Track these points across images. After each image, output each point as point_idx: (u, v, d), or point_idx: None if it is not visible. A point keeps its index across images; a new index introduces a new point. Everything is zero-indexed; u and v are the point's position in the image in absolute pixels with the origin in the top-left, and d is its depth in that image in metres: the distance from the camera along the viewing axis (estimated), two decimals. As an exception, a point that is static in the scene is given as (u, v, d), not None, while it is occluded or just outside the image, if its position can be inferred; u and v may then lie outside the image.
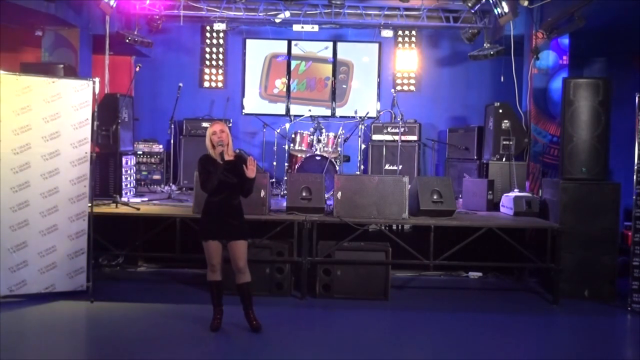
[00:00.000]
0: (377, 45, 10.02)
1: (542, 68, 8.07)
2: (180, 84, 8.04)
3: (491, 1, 7.68)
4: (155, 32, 9.29)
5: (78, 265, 5.73)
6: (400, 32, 9.97)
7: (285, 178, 7.91)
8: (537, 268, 6.60)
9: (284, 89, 10.07)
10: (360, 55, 10.07)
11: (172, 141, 8.29)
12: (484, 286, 6.84)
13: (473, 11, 8.59)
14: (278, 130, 8.90)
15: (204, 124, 9.20)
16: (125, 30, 8.79)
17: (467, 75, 9.91)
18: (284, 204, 6.45)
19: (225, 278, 4.99)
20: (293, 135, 8.59)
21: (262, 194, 6.07)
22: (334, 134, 8.56)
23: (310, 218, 6.05)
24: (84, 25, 8.06)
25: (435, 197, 6.35)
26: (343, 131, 8.69)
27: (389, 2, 9.28)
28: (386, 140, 9.08)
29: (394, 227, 6.91)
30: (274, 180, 8.49)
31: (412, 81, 10.08)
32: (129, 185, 7.60)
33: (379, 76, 10.06)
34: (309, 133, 8.51)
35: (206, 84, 10.08)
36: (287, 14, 9.10)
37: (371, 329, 5.23)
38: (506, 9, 7.55)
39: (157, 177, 9.13)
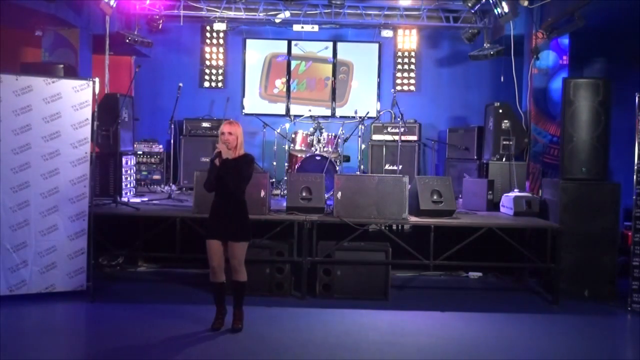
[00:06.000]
0: (377, 45, 10.02)
1: (542, 68, 8.07)
2: (180, 84, 8.02)
3: (491, 1, 7.67)
4: (155, 32, 9.29)
5: (78, 265, 5.73)
6: (400, 32, 9.97)
7: (285, 178, 7.90)
8: (537, 268, 6.60)
9: (284, 89, 10.07)
10: (360, 55, 10.07)
11: (172, 141, 8.28)
12: (484, 286, 6.84)
13: (473, 11, 8.60)
14: (278, 130, 8.89)
15: (204, 124, 9.22)
16: (125, 30, 8.79)
17: (467, 75, 9.90)
18: (284, 204, 6.44)
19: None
20: (293, 135, 8.58)
21: (262, 194, 6.07)
22: (334, 134, 8.56)
23: (310, 218, 6.05)
24: (84, 25, 8.05)
25: (435, 197, 6.34)
26: (343, 131, 8.68)
27: (389, 2, 9.28)
28: (386, 140, 9.08)
29: (394, 227, 6.90)
30: (274, 180, 8.49)
31: (412, 81, 10.08)
32: (129, 185, 7.60)
33: (379, 76, 10.05)
34: (309, 133, 8.50)
35: (206, 84, 10.08)
36: (287, 14, 9.10)
37: (371, 329, 5.22)
38: (506, 9, 7.55)
39: (157, 177, 9.13)
